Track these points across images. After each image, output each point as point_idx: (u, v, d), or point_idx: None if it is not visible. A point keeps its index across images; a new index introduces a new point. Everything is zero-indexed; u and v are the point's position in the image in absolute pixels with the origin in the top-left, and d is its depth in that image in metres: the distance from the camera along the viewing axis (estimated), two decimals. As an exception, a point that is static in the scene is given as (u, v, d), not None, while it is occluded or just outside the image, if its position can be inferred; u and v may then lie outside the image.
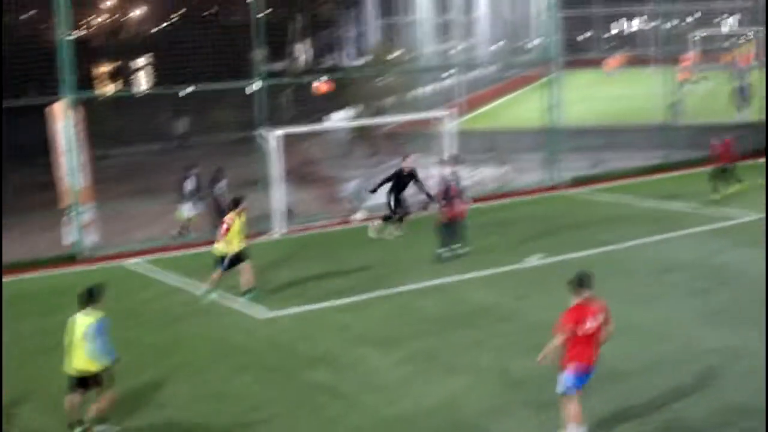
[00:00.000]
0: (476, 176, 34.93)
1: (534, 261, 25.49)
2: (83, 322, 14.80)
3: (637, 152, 39.26)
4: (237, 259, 22.73)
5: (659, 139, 40.11)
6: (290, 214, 31.69)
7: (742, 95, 45.57)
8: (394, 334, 20.12)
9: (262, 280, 23.93)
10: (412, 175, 27.28)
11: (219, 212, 29.84)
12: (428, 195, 27.34)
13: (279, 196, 30.32)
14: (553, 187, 35.75)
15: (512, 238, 28.38)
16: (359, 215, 31.63)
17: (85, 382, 15.03)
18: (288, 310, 22.20)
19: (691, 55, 62.09)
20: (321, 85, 58.31)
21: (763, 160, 39.56)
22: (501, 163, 37.63)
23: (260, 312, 22.13)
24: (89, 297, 14.95)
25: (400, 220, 28.04)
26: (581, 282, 14.23)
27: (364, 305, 22.38)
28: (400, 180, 27.19)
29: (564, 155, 36.76)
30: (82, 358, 14.85)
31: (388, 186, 27.56)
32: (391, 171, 27.99)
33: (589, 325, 14.03)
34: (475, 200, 32.09)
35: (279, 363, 18.74)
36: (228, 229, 22.45)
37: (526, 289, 22.99)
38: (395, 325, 20.74)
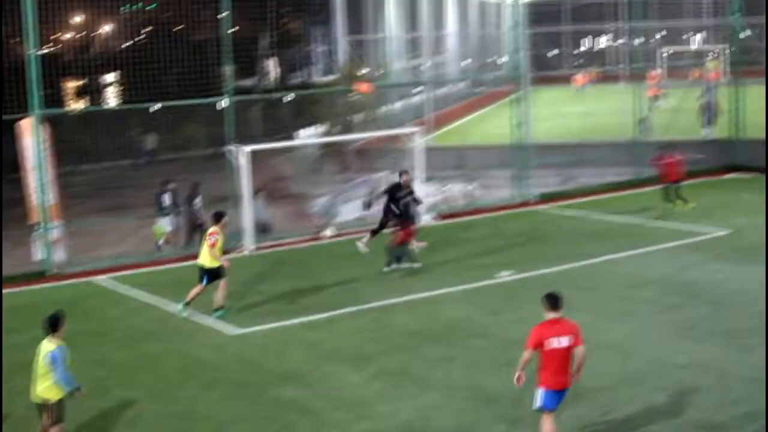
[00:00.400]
0: (445, 193, 34.98)
1: (505, 277, 25.52)
2: (45, 348, 14.59)
3: (607, 168, 39.40)
4: (217, 275, 22.77)
5: (628, 155, 40.28)
6: (266, 228, 31.72)
7: (709, 112, 45.74)
8: (365, 350, 20.07)
9: (233, 297, 23.84)
10: (410, 191, 27.25)
11: (194, 228, 30.29)
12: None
13: (249, 212, 30.21)
14: (522, 204, 35.82)
15: (483, 254, 28.40)
16: (329, 232, 31.59)
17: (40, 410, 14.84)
18: (258, 326, 22.11)
19: (657, 72, 62.45)
20: (362, 84, 59.66)
21: (730, 176, 39.92)
22: (469, 180, 37.72)
23: (230, 329, 22.03)
24: (49, 325, 14.71)
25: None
26: (550, 302, 14.15)
27: (334, 321, 22.32)
28: (395, 195, 27.25)
29: (533, 171, 36.85)
30: (42, 386, 14.64)
31: (367, 200, 27.75)
32: (387, 186, 28.13)
33: (555, 345, 13.92)
34: (445, 216, 32.17)
35: (249, 380, 18.65)
36: (215, 243, 22.61)
37: (497, 304, 22.99)
38: (366, 341, 20.68)
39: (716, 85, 54.14)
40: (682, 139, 43.69)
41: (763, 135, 42.76)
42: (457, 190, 36.12)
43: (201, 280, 22.91)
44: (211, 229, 22.93)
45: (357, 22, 51.30)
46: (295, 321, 22.40)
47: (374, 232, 27.27)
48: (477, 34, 76.67)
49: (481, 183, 37.44)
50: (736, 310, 21.63)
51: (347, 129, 43.39)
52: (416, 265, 26.60)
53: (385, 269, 26.51)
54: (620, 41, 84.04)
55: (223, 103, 31.13)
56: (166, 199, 30.70)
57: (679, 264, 26.09)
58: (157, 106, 32.24)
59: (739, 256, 26.64)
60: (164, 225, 30.79)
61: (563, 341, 13.93)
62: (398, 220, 26.67)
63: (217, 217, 23.16)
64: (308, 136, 43.30)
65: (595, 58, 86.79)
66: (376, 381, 18.17)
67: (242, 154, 29.94)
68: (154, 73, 33.12)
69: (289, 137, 39.33)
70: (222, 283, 22.85)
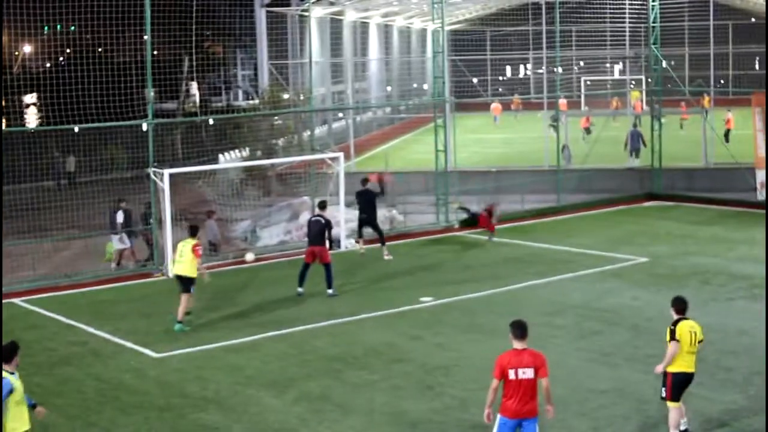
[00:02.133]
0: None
1: (427, 302, 25.57)
2: None
3: (528, 195, 39.72)
4: (191, 284, 23.90)
5: (550, 182, 40.67)
6: (216, 248, 31.88)
7: (633, 142, 46.21)
8: (287, 374, 20.00)
9: (151, 320, 23.66)
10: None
11: (149, 246, 31.12)
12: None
13: (169, 235, 29.98)
14: (445, 229, 35.96)
15: (404, 280, 28.47)
16: (249, 256, 31.44)
17: None
18: (179, 350, 21.93)
19: (564, 101, 63.02)
20: (496, 107, 66.63)
21: (649, 204, 40.47)
22: (390, 206, 37.81)
23: (150, 352, 21.83)
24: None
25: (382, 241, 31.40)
26: (516, 331, 13.98)
27: (256, 345, 22.21)
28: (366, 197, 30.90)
29: (455, 198, 37.00)
30: None
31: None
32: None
33: (519, 375, 13.73)
34: (367, 242, 32.17)
35: (169, 404, 18.48)
36: (201, 254, 24.18)
37: (419, 329, 23.02)
38: (288, 366, 20.60)
39: (640, 116, 55.00)
40: (602, 167, 44.36)
41: (681, 164, 43.64)
42: (379, 215, 36.09)
43: (188, 290, 23.92)
44: (195, 241, 24.12)
45: (280, 46, 51.27)
46: (217, 345, 22.26)
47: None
48: (400, 61, 77.05)
49: (404, 209, 37.53)
50: (654, 337, 21.80)
51: (270, 153, 43.29)
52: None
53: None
54: (540, 70, 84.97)
55: (145, 125, 30.93)
56: (119, 217, 30.94)
57: (599, 290, 26.35)
58: (77, 128, 31.86)
59: (659, 282, 26.97)
60: (114, 243, 31.01)
61: (527, 372, 13.74)
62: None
63: (194, 231, 24.60)
64: (230, 160, 43.13)
65: (517, 86, 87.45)
66: (297, 405, 18.10)
67: (163, 177, 29.72)
68: (75, 94, 32.81)
69: (212, 161, 39.09)
70: (190, 295, 24.02)
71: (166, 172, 29.81)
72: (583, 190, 41.26)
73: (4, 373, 13.92)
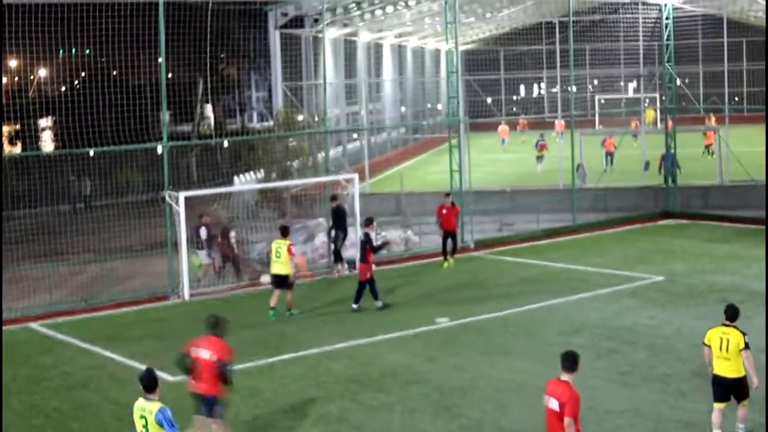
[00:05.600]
0: (381, 239, 35.03)
1: (443, 323, 25.54)
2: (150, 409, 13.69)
3: (544, 214, 39.70)
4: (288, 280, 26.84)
5: (564, 201, 40.62)
6: (221, 270, 32.28)
7: (670, 164, 44.22)
8: (305, 397, 19.97)
9: (167, 343, 23.66)
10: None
11: (227, 260, 32.28)
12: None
13: (185, 258, 30.02)
14: (460, 249, 35.89)
15: (421, 300, 28.44)
16: (265, 278, 31.46)
17: None
18: (195, 373, 21.88)
19: (562, 122, 62.87)
20: (503, 129, 67.61)
21: (665, 222, 40.39)
22: (406, 226, 37.83)
23: (167, 376, 21.80)
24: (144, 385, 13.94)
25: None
26: (561, 361, 13.91)
27: (273, 368, 22.20)
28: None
29: (470, 217, 36.97)
30: None
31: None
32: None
33: (547, 402, 13.65)
34: (383, 263, 32.17)
35: (186, 427, 18.44)
36: (294, 253, 26.93)
37: (435, 351, 22.98)
38: (305, 388, 20.58)
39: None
40: (617, 185, 44.28)
41: (696, 182, 43.52)
42: (395, 236, 36.15)
43: (289, 286, 26.80)
44: (289, 242, 26.93)
45: (294, 68, 51.43)
46: (234, 368, 22.20)
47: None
48: (414, 81, 77.19)
49: (419, 229, 37.52)
50: (671, 356, 21.81)
51: (285, 175, 43.35)
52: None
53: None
54: (555, 89, 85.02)
55: (159, 148, 30.99)
56: (203, 232, 31.66)
57: (615, 309, 26.28)
58: (93, 151, 31.95)
59: (675, 301, 26.90)
60: (201, 257, 31.85)
61: (552, 402, 13.61)
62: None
63: (285, 231, 27.45)
64: (245, 182, 43.20)
65: (531, 105, 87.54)
66: (315, 428, 18.09)
67: (178, 200, 29.76)
68: (90, 117, 32.93)
69: (227, 183, 39.19)
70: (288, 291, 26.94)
71: (182, 194, 29.86)
72: (598, 209, 41.24)
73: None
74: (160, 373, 21.79)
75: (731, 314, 16.58)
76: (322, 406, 19.28)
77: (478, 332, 24.63)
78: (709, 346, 16.47)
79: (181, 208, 29.64)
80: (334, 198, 32.74)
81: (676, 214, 41.27)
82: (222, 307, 29.00)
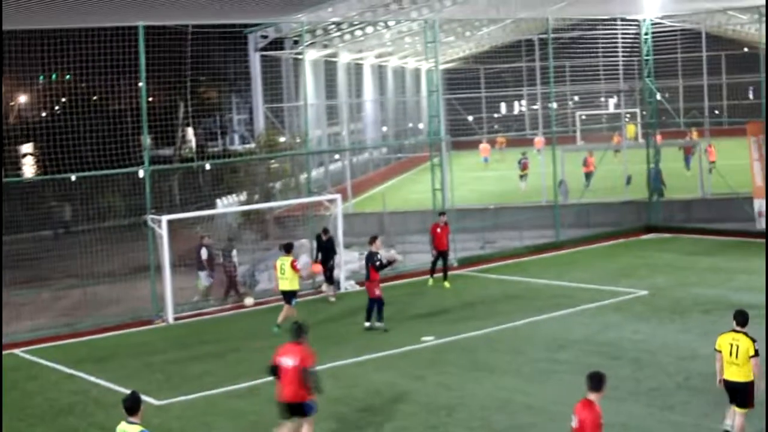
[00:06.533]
0: (363, 259, 35.04)
1: (428, 341, 25.51)
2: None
3: (527, 231, 39.72)
4: (293, 296, 27.42)
5: (547, 217, 40.66)
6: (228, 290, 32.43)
7: (656, 180, 44.26)
8: (290, 418, 19.89)
9: (153, 368, 23.56)
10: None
11: (230, 279, 32.29)
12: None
13: (168, 281, 29.94)
14: (444, 269, 35.85)
15: (406, 319, 28.40)
16: (249, 300, 31.46)
17: None
18: (181, 397, 21.85)
19: (541, 139, 62.85)
20: (484, 147, 68.01)
21: (648, 236, 40.48)
22: (389, 246, 37.79)
23: (152, 400, 21.74)
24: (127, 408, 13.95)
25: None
26: (590, 380, 14.00)
27: (257, 390, 22.10)
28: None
29: (453, 235, 36.91)
30: None
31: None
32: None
33: (573, 422, 13.72)
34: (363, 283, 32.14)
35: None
36: (299, 269, 27.63)
37: (421, 369, 22.95)
38: (290, 410, 20.48)
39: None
40: (600, 200, 44.35)
41: (679, 196, 43.64)
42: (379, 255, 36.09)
43: (289, 302, 27.24)
44: (292, 258, 27.49)
45: (275, 90, 51.37)
46: (218, 390, 22.18)
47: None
48: (395, 101, 77.22)
49: (403, 248, 37.50)
50: (657, 369, 21.82)
51: (267, 197, 43.29)
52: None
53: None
54: (535, 106, 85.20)
55: (141, 172, 30.94)
56: (204, 253, 31.90)
57: (600, 325, 26.30)
58: (74, 176, 31.86)
59: (659, 315, 26.95)
60: (203, 279, 32.17)
61: (573, 420, 13.70)
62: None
63: (288, 248, 28.01)
64: (228, 204, 43.12)
65: (511, 122, 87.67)
66: (301, 449, 18.00)
67: (160, 223, 29.71)
68: (71, 143, 32.86)
69: (209, 206, 39.11)
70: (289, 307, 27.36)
71: (164, 218, 29.81)
72: (581, 225, 41.30)
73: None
74: (144, 397, 21.78)
75: (741, 320, 16.75)
76: (308, 427, 19.20)
77: (464, 350, 24.61)
78: (721, 352, 16.69)
79: (165, 232, 29.58)
80: (326, 231, 32.42)
81: (659, 227, 41.37)
82: (209, 329, 28.98)
